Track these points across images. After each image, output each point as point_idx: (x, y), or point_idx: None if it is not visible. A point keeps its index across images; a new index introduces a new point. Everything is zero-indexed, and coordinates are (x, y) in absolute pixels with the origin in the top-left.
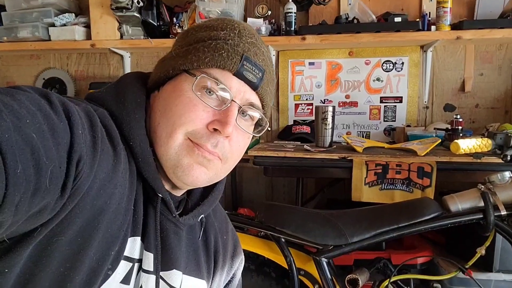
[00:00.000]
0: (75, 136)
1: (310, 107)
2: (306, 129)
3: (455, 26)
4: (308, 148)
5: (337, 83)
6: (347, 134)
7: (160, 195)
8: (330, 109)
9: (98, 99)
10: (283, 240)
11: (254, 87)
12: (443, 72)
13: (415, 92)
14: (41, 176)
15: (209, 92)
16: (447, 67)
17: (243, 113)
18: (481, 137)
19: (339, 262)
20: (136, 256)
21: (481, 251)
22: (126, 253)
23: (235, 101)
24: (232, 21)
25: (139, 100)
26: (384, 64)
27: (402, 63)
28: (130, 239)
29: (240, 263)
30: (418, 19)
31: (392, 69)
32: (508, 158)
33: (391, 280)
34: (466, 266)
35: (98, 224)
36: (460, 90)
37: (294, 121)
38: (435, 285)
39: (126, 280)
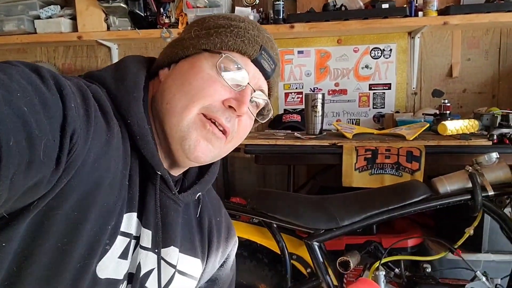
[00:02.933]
0: (67, 109)
1: (300, 95)
2: (297, 117)
3: (442, 12)
4: (299, 135)
5: (326, 71)
6: (337, 121)
7: (159, 173)
8: (320, 96)
9: (97, 78)
10: (275, 225)
11: (267, 76)
12: (431, 58)
13: (403, 78)
14: (34, 149)
15: (228, 72)
16: (435, 53)
17: (251, 99)
18: (468, 119)
19: (331, 247)
20: (133, 232)
21: (470, 231)
22: (122, 229)
23: (250, 85)
24: (248, 18)
25: (138, 79)
26: (372, 51)
27: (390, 50)
28: (126, 215)
29: (234, 245)
30: (405, 5)
31: (380, 56)
32: (494, 137)
33: (382, 262)
34: (455, 247)
35: (94, 198)
36: (448, 75)
37: (285, 110)
38: (424, 265)
39: (124, 255)
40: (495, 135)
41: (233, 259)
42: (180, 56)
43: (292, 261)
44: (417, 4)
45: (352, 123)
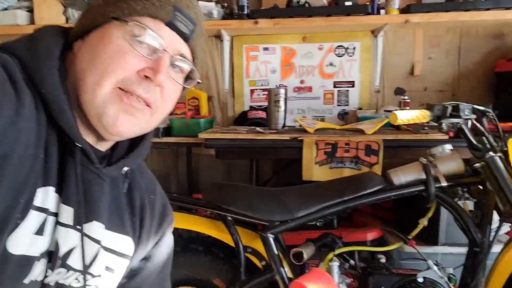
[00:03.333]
0: None
1: (266, 92)
2: (262, 114)
3: (403, 10)
4: (260, 130)
5: (292, 68)
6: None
7: (79, 145)
8: (282, 91)
9: (9, 47)
10: (229, 218)
11: (185, 38)
12: (393, 56)
13: (366, 76)
14: None
15: (140, 41)
16: (397, 51)
17: (174, 65)
18: (420, 109)
19: (290, 242)
20: (50, 207)
21: (423, 222)
22: (37, 203)
23: (166, 51)
24: None
25: (52, 48)
26: (336, 49)
27: (354, 48)
28: (41, 189)
29: (169, 223)
30: (367, 3)
31: (344, 54)
32: (444, 127)
33: (336, 253)
34: (409, 237)
35: (2, 170)
36: (410, 74)
37: (250, 106)
38: (379, 256)
39: (40, 231)
40: (444, 125)
41: (169, 238)
42: (90, 26)
43: (246, 254)
44: (379, 2)
45: (317, 120)
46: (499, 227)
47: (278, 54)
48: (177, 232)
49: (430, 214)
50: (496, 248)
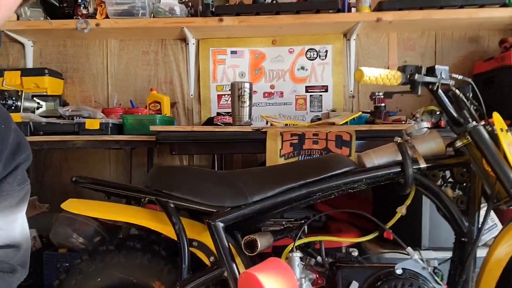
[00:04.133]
0: None
1: None
2: (229, 119)
3: (375, 8)
4: (218, 123)
5: (261, 72)
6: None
7: None
8: (247, 85)
9: None
10: (171, 205)
11: None
12: (368, 60)
13: (340, 80)
14: None
15: None
16: (371, 55)
17: None
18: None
19: None
20: None
21: (401, 210)
22: None
23: None
24: None
25: None
26: (308, 52)
27: (326, 51)
28: None
29: (25, 160)
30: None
31: (316, 57)
32: (418, 89)
33: (297, 244)
34: (387, 226)
35: None
36: None
37: (218, 113)
38: (350, 249)
39: None
40: (419, 86)
41: (22, 174)
42: None
43: (192, 248)
44: (350, 1)
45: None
46: (487, 213)
47: (247, 58)
48: (109, 226)
49: (408, 202)
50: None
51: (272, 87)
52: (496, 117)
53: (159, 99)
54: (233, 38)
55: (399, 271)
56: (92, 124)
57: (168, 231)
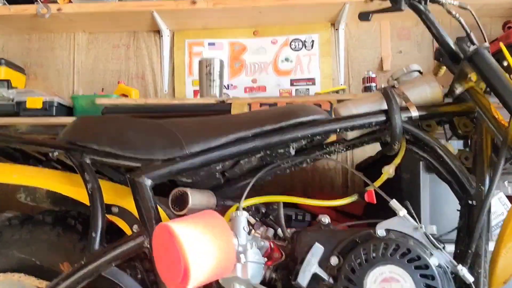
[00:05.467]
0: None
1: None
2: None
3: None
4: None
5: (242, 65)
6: None
7: None
8: (217, 62)
9: None
10: (87, 160)
11: None
12: (358, 50)
13: (328, 72)
14: None
15: None
16: (362, 45)
17: None
18: None
19: None
20: None
21: (389, 170)
22: None
23: None
24: None
25: None
26: (292, 43)
27: (312, 41)
28: None
29: None
30: None
31: (301, 48)
32: (402, 2)
33: (245, 206)
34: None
35: None
36: (379, 69)
37: None
38: (320, 216)
39: None
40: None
41: None
42: None
43: (110, 216)
44: None
45: None
46: (498, 167)
47: (226, 50)
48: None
49: (397, 161)
50: None
51: (254, 81)
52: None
53: (127, 92)
54: (211, 29)
55: (380, 232)
56: (34, 103)
57: (82, 195)
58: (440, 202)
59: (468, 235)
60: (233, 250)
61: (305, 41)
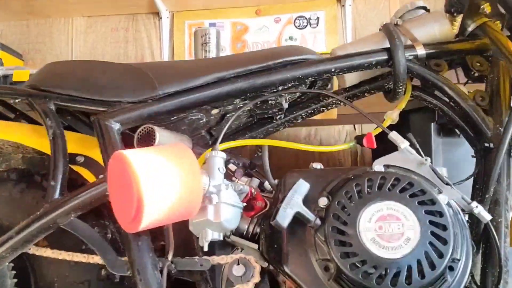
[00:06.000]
0: None
1: None
2: None
3: None
4: None
5: (244, 46)
6: None
7: None
8: (213, 32)
9: None
10: (51, 107)
11: None
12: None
13: None
14: None
15: None
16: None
17: None
18: None
19: None
20: None
21: (392, 115)
22: None
23: None
24: None
25: None
26: (296, 21)
27: (318, 19)
28: None
29: None
30: None
31: (306, 26)
32: None
33: (225, 147)
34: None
35: None
36: None
37: None
38: (312, 163)
39: None
40: None
41: None
42: None
43: (74, 166)
44: None
45: None
46: None
47: (228, 31)
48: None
49: (402, 105)
50: None
51: None
52: None
53: None
54: (211, 9)
55: (378, 168)
56: (20, 76)
57: (46, 145)
58: (455, 169)
59: (485, 182)
60: (200, 188)
61: (309, 18)
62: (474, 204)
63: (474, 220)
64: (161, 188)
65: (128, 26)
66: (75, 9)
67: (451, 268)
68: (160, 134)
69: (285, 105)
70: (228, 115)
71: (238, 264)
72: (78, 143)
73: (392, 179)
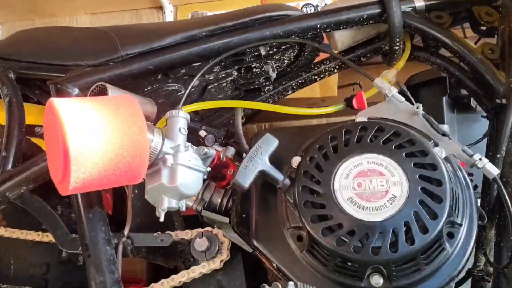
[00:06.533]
0: None
1: None
2: None
3: None
4: None
5: None
6: None
7: None
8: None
9: None
10: (11, 76)
11: None
12: None
13: None
14: None
15: None
16: None
17: None
18: None
19: None
20: None
21: (387, 75)
22: None
23: None
24: None
25: None
26: (304, 8)
27: (325, 5)
28: None
29: None
30: None
31: None
32: None
33: (192, 109)
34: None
35: None
36: None
37: None
38: None
39: None
40: None
41: None
42: None
43: (33, 138)
44: None
45: None
46: None
47: None
48: None
49: (400, 65)
50: None
51: None
52: None
53: None
54: (215, 1)
55: (361, 119)
56: None
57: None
58: (472, 148)
59: (497, 140)
60: (145, 143)
61: (317, 5)
62: (478, 156)
63: (485, 187)
64: (93, 138)
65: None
66: (78, 6)
67: (450, 235)
68: (113, 91)
69: (273, 75)
70: (210, 86)
71: (201, 238)
72: (37, 114)
73: (375, 129)
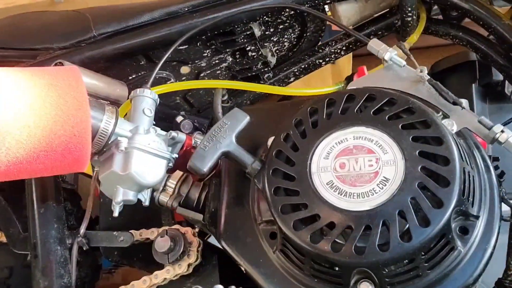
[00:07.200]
0: None
1: None
2: None
3: None
4: None
5: None
6: None
7: None
8: None
9: None
10: None
11: None
12: None
13: None
14: None
15: None
16: None
17: None
18: None
19: None
20: None
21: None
22: None
23: None
24: None
25: None
26: None
27: None
28: None
29: None
30: None
31: None
32: None
33: (161, 91)
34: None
35: None
36: None
37: None
38: None
39: None
40: None
41: None
42: None
43: None
44: None
45: None
46: None
47: None
48: None
49: (413, 38)
50: None
51: None
52: None
53: None
54: None
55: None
56: None
57: None
58: None
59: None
60: (86, 120)
61: None
62: (498, 127)
63: None
64: (16, 112)
65: None
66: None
67: (463, 230)
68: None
69: (272, 59)
70: (202, 74)
71: (163, 237)
72: None
73: (364, 98)
